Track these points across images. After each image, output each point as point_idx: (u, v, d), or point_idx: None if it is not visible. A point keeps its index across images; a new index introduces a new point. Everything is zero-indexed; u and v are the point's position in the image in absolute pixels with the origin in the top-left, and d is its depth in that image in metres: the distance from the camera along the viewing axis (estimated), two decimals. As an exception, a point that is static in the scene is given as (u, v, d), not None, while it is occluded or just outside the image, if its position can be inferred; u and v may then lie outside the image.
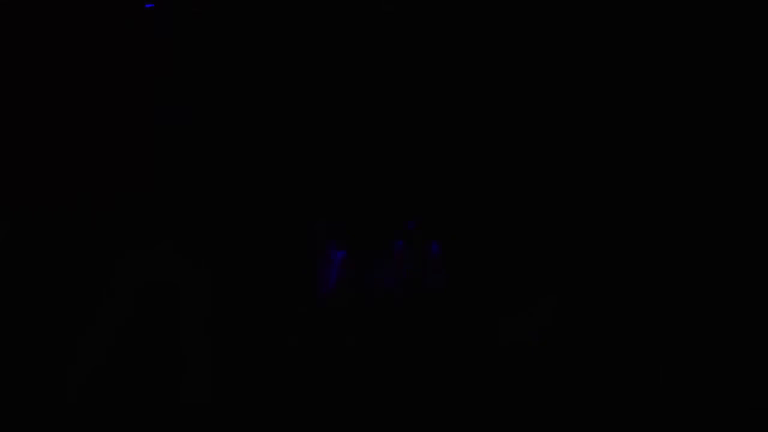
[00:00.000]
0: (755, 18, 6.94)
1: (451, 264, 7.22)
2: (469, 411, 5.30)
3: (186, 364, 5.33)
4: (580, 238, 7.28)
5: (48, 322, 6.08)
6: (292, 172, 7.72)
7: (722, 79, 7.09)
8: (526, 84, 7.49)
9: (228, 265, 6.91)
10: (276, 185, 7.68)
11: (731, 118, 7.10)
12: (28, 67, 7.19)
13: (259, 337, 6.44)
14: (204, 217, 7.33)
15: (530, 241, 7.51)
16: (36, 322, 6.15)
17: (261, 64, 7.58)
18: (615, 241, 7.26)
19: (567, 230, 7.38)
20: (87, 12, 7.18)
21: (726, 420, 5.05)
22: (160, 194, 7.05)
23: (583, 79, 7.39)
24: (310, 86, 7.60)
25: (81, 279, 6.40)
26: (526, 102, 7.51)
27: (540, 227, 7.50)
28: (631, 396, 5.43)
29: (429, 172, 7.65)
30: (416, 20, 7.44)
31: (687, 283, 6.65)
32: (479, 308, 6.84)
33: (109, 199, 7.20)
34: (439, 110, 7.66)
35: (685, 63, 7.17)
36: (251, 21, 7.44)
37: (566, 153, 7.51)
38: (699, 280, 6.65)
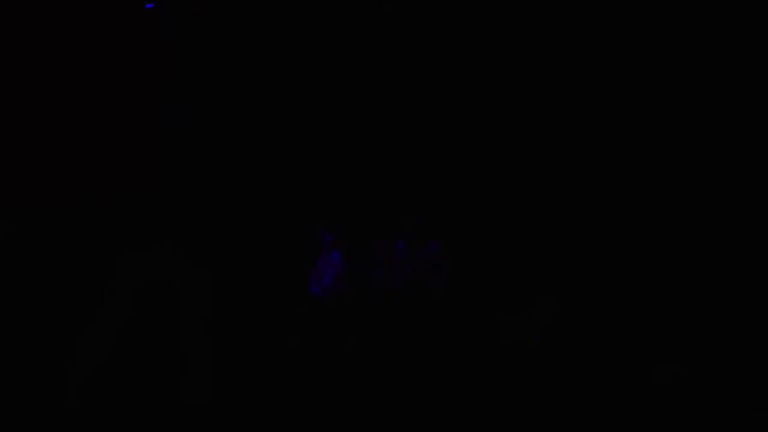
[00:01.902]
0: (755, 18, 6.94)
1: (451, 264, 7.22)
2: (470, 411, 5.30)
3: (186, 364, 5.33)
4: (579, 238, 7.28)
5: (48, 322, 6.08)
6: (293, 172, 7.73)
7: (722, 79, 7.09)
8: (526, 84, 7.49)
9: (228, 265, 6.91)
10: (276, 185, 7.68)
11: (731, 118, 7.10)
12: (29, 67, 7.19)
13: (259, 337, 6.44)
14: (204, 217, 7.31)
15: (530, 241, 7.51)
16: (36, 322, 6.15)
17: (261, 63, 7.58)
18: (615, 241, 7.26)
19: (567, 230, 7.38)
20: (87, 12, 7.19)
21: (726, 420, 5.05)
22: (160, 194, 7.05)
23: (583, 79, 7.39)
24: (310, 86, 7.60)
25: (81, 279, 6.40)
26: (526, 102, 7.51)
27: (540, 227, 7.50)
28: (631, 396, 5.43)
29: (429, 172, 7.65)
30: (416, 20, 7.44)
31: (687, 282, 6.65)
32: (479, 308, 6.83)
33: (109, 199, 7.20)
34: (439, 110, 7.66)
35: (685, 63, 7.17)
36: (251, 21, 7.44)
37: (566, 153, 7.51)
38: (699, 279, 6.65)
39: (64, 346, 5.52)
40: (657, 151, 7.32)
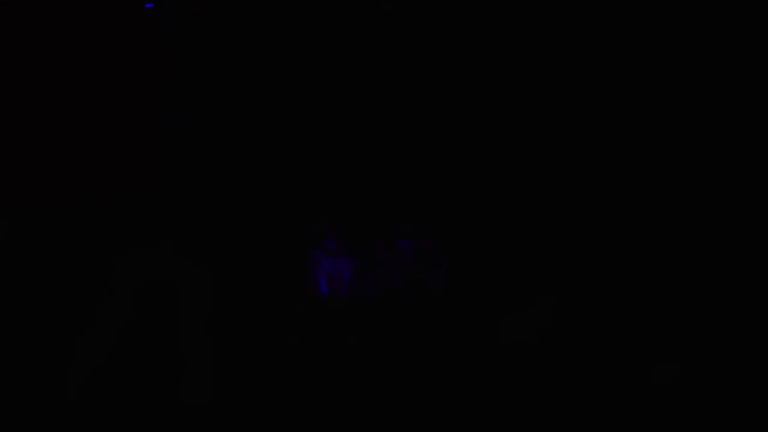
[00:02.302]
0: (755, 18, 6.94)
1: (451, 264, 7.22)
2: (470, 411, 5.30)
3: (186, 364, 5.33)
4: (579, 238, 7.27)
5: (48, 322, 6.08)
6: (293, 172, 7.71)
7: (722, 79, 7.08)
8: (526, 83, 7.48)
9: (228, 265, 6.92)
10: (276, 185, 7.67)
11: (731, 118, 7.09)
12: (28, 67, 7.19)
13: (259, 337, 6.43)
14: (204, 217, 7.32)
15: (530, 241, 7.50)
16: (36, 322, 6.14)
17: (261, 63, 7.57)
18: (615, 241, 7.25)
19: (567, 230, 7.37)
20: (87, 12, 7.18)
21: (726, 420, 5.05)
22: (160, 194, 7.07)
23: (584, 79, 7.38)
24: (310, 86, 7.59)
25: (81, 279, 6.40)
26: (526, 102, 7.50)
27: (540, 227, 7.50)
28: (631, 396, 5.43)
29: (429, 171, 7.64)
30: (416, 20, 7.44)
31: (688, 282, 6.65)
32: (479, 308, 6.83)
33: (109, 199, 7.20)
34: (439, 110, 7.65)
35: (684, 63, 7.17)
36: (251, 21, 7.43)
37: (566, 153, 7.50)
38: (699, 279, 6.65)
39: (64, 346, 5.52)
40: (657, 151, 7.32)
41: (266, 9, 7.44)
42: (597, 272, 6.94)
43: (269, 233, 7.66)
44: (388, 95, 7.64)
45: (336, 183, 7.76)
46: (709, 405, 5.21)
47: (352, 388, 5.73)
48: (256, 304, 6.88)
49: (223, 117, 7.66)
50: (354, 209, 7.60)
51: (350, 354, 6.34)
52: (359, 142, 7.67)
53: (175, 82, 7.45)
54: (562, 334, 6.31)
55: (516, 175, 7.61)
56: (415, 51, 7.55)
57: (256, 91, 7.65)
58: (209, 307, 5.52)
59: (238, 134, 7.72)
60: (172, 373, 5.34)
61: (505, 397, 5.49)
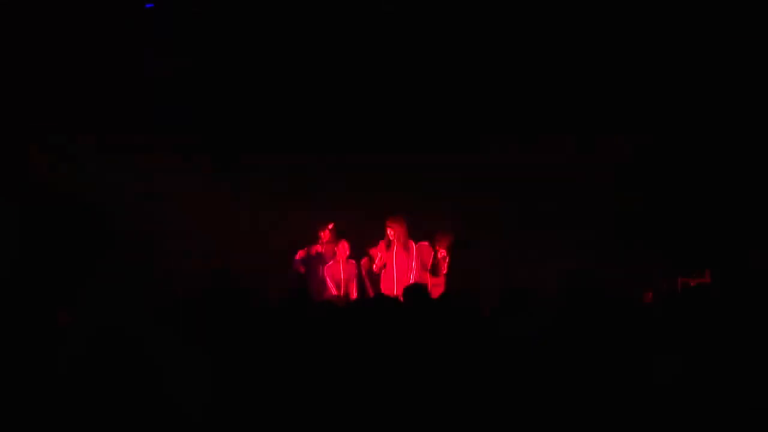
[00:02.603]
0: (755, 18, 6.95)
1: (452, 264, 7.22)
2: (469, 410, 5.30)
3: (186, 364, 5.33)
4: (579, 238, 7.29)
5: (48, 322, 6.09)
6: (292, 173, 7.72)
7: (722, 79, 7.10)
8: (526, 84, 7.48)
9: (228, 265, 6.93)
10: (276, 185, 7.68)
11: (730, 118, 7.11)
12: (29, 67, 7.20)
13: (259, 337, 6.43)
14: (204, 218, 7.33)
15: (530, 242, 7.52)
16: (36, 321, 6.15)
17: (261, 63, 7.58)
18: (614, 241, 7.27)
19: (566, 231, 7.39)
20: (87, 12, 7.19)
21: (726, 420, 5.05)
22: (159, 194, 7.09)
23: (583, 80, 7.39)
24: (310, 86, 7.59)
25: (81, 279, 6.42)
26: (526, 103, 7.50)
27: (540, 228, 7.51)
28: (631, 396, 5.43)
29: (429, 172, 7.65)
30: (416, 20, 7.44)
31: (687, 281, 6.66)
32: (479, 308, 6.83)
33: (109, 198, 7.23)
34: (439, 110, 7.65)
35: (684, 63, 7.18)
36: (251, 21, 7.44)
37: (566, 154, 7.52)
38: (699, 278, 6.66)
39: (63, 345, 5.53)
40: (654, 153, 7.34)
41: (266, 9, 7.44)
42: (596, 273, 6.95)
43: (269, 233, 7.67)
44: (388, 95, 7.65)
45: (336, 183, 7.76)
46: (709, 405, 5.21)
47: (352, 387, 5.73)
48: (256, 304, 6.88)
49: (223, 117, 7.68)
50: (355, 210, 7.59)
51: (350, 353, 6.34)
52: (359, 142, 7.67)
53: (175, 82, 7.47)
54: (562, 334, 6.31)
55: (516, 176, 7.62)
56: (415, 51, 7.55)
57: (256, 91, 7.66)
58: (209, 307, 5.53)
59: (238, 135, 7.74)
60: (172, 373, 5.34)
61: (505, 396, 5.49)
